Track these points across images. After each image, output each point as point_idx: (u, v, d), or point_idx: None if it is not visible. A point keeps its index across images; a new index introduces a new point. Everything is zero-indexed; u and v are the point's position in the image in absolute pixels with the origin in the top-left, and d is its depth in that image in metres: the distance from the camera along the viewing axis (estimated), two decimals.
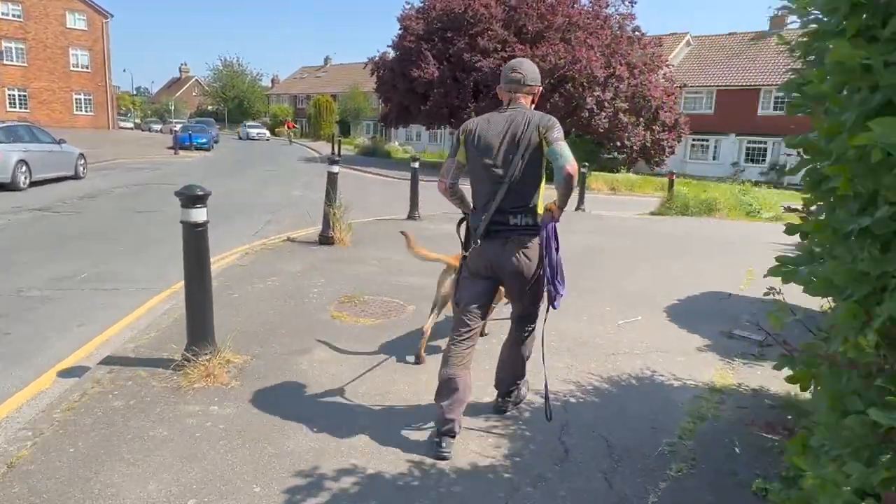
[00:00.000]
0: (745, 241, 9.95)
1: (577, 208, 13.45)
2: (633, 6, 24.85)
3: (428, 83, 24.09)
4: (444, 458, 2.80)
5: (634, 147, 22.77)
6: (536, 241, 2.84)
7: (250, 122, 52.61)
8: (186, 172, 18.68)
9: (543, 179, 2.88)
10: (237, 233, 8.78)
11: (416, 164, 10.27)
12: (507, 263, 2.84)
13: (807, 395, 4.03)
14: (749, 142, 33.86)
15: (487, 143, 2.82)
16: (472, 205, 3.00)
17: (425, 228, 9.53)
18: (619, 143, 22.93)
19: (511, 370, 3.23)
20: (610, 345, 4.59)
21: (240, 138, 46.21)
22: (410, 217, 10.32)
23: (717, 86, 34.78)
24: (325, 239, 7.68)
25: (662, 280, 6.87)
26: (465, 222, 3.07)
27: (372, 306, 5.20)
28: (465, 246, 3.02)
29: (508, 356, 3.20)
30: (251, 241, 8.16)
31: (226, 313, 4.78)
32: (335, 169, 7.60)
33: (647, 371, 4.14)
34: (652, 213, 14.01)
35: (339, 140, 30.98)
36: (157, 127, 54.27)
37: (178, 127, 33.50)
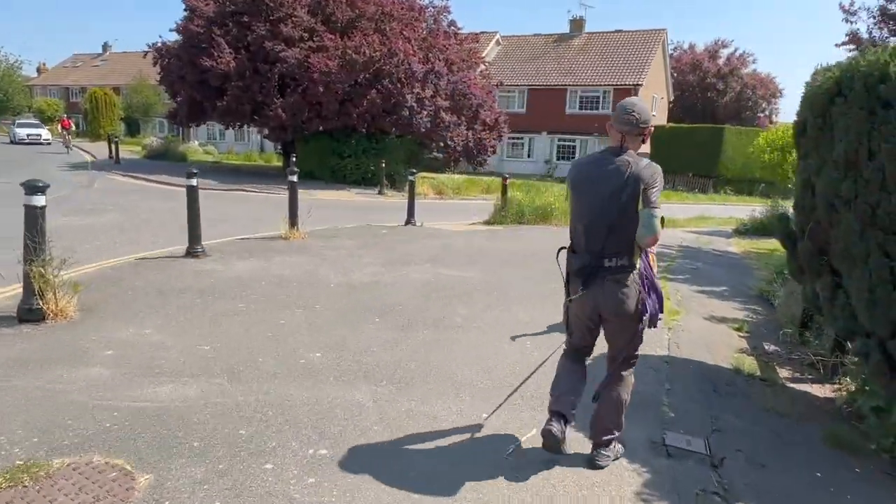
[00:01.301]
0: None
1: (408, 222, 11.60)
2: None
3: (224, 75, 20.46)
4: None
5: (457, 147, 21.63)
6: (633, 277, 2.86)
7: (23, 119, 39.84)
8: None
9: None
10: None
11: (195, 181, 7.39)
12: (606, 303, 2.90)
13: None
14: (560, 139, 35.06)
15: (589, 188, 2.87)
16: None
17: (211, 272, 6.85)
18: (441, 143, 21.61)
19: (605, 415, 3.09)
20: None
21: (11, 141, 34.64)
22: (191, 253, 7.49)
23: (528, 85, 35.53)
24: (30, 313, 4.79)
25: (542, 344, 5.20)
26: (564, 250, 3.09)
27: (62, 492, 2.67)
28: (567, 290, 3.04)
29: (603, 399, 3.08)
30: None
31: None
32: (38, 201, 4.75)
33: None
34: (487, 223, 12.64)
35: (118, 141, 25.75)
36: None
37: None
